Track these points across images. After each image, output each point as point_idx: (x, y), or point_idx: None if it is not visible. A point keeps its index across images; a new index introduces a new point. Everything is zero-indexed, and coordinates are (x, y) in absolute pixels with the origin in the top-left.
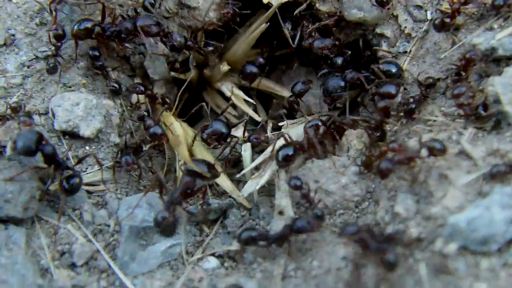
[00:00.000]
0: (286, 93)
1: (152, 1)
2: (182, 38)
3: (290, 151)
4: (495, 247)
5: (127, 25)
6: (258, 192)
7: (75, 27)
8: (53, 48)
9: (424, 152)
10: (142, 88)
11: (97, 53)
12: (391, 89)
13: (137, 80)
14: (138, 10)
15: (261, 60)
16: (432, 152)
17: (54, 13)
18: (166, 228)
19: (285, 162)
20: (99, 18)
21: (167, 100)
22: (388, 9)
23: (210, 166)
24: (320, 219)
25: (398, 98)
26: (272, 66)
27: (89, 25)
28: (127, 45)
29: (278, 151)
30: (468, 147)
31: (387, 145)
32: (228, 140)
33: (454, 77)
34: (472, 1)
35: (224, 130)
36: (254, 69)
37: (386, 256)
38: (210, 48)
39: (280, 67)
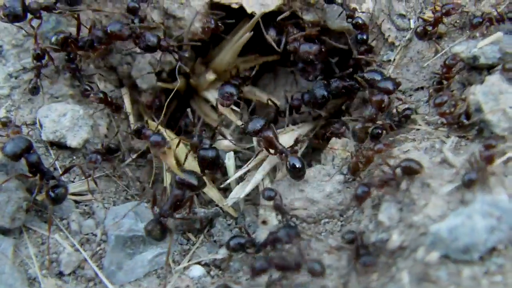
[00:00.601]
0: (277, 102)
1: (136, 5)
2: (156, 38)
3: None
4: (476, 255)
5: (98, 33)
6: (244, 201)
7: (52, 39)
8: (34, 69)
9: (399, 173)
10: (101, 95)
11: (70, 56)
12: (389, 85)
13: (125, 91)
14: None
15: (236, 81)
16: (408, 172)
17: (34, 32)
18: (156, 237)
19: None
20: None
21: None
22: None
23: (199, 177)
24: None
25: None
26: (258, 73)
27: (63, 35)
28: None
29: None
30: (450, 155)
31: (372, 149)
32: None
33: (435, 86)
34: (454, 12)
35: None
36: (231, 90)
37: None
38: (186, 54)
39: (266, 74)
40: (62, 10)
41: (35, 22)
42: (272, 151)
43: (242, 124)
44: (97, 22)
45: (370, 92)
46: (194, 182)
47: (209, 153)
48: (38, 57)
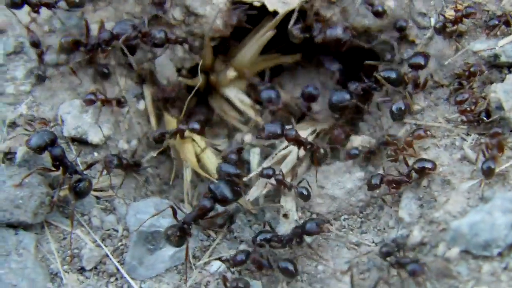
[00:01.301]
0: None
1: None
2: (162, 33)
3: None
4: (496, 251)
5: (104, 36)
6: (264, 197)
7: (62, 40)
8: (37, 57)
9: (413, 173)
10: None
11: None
12: (421, 60)
13: (146, 88)
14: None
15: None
16: (422, 172)
17: (30, 20)
18: (174, 243)
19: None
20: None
21: (122, 100)
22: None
23: (233, 189)
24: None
25: None
26: (277, 72)
27: (70, 40)
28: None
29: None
30: (470, 152)
31: (412, 134)
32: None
33: (456, 86)
34: (474, 17)
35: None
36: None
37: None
38: (196, 43)
39: (285, 74)
40: (62, 8)
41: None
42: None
43: (258, 133)
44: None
45: (406, 70)
46: (228, 194)
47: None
48: (34, 45)
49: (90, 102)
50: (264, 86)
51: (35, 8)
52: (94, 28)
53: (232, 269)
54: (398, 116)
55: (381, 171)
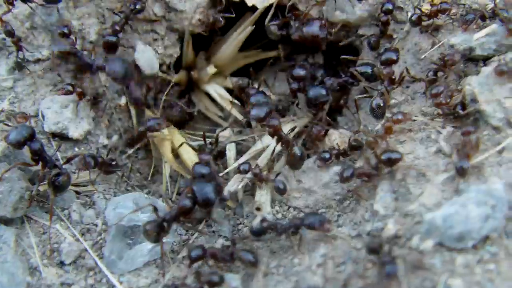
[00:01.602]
0: (273, 97)
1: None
2: (142, 95)
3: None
4: (470, 243)
5: (99, 62)
6: (243, 192)
7: (54, 50)
8: (14, 44)
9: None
10: (70, 88)
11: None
12: (392, 55)
13: None
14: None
15: None
16: (389, 163)
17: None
18: (151, 240)
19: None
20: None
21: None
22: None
23: (218, 189)
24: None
25: None
26: (259, 68)
27: (66, 49)
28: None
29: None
30: (445, 145)
31: (391, 119)
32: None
33: (430, 78)
34: (449, 10)
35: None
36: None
37: None
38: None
39: (267, 69)
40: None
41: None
42: (275, 138)
43: (246, 112)
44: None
45: (379, 67)
46: (211, 196)
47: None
48: (9, 34)
49: (67, 93)
50: (253, 90)
51: (10, 0)
52: (75, 25)
53: (213, 263)
54: (378, 113)
55: (357, 164)
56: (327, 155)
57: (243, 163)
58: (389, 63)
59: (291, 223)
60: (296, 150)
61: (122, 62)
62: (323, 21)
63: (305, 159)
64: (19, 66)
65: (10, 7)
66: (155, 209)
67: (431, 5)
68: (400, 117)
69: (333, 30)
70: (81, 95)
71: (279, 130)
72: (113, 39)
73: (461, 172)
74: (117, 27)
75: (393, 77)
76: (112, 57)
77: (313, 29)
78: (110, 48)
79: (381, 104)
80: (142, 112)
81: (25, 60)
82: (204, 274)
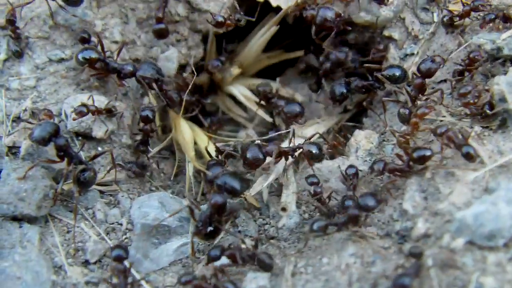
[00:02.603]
0: (298, 97)
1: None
2: (177, 96)
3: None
4: (501, 241)
5: (129, 69)
6: (268, 192)
7: (79, 56)
8: (12, 33)
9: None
10: (84, 109)
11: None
12: (432, 66)
13: None
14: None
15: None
16: (420, 162)
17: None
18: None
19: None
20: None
21: (113, 109)
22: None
23: (242, 180)
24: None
25: None
26: (281, 69)
27: (93, 56)
28: (124, 83)
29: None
30: (474, 145)
31: (416, 114)
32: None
33: (457, 77)
34: (482, 9)
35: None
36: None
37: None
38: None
39: (289, 70)
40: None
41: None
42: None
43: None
44: (123, 16)
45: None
46: (237, 186)
47: None
48: (11, 22)
49: (81, 114)
50: (286, 100)
51: None
52: (98, 24)
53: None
54: (405, 119)
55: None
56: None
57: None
58: (426, 75)
59: (348, 216)
60: (310, 147)
61: (152, 66)
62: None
63: (323, 153)
64: (18, 54)
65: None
66: (191, 211)
67: (463, 4)
68: (425, 110)
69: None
70: (95, 112)
71: (282, 150)
72: (162, 26)
73: (469, 157)
74: (160, 14)
75: (424, 87)
76: (142, 63)
77: (326, 13)
78: (160, 35)
79: (407, 113)
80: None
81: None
82: (220, 280)
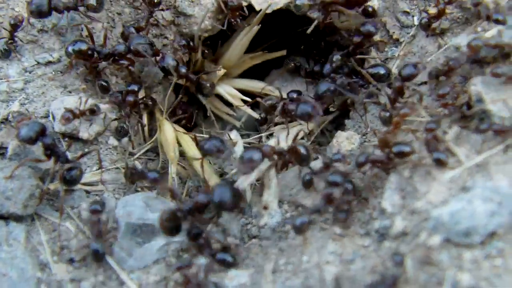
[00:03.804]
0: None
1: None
2: (175, 62)
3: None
4: (477, 239)
5: (119, 49)
6: (251, 192)
7: (70, 48)
8: (7, 33)
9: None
10: (70, 115)
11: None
12: (412, 71)
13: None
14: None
15: None
16: (400, 156)
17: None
18: (170, 229)
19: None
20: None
21: (95, 108)
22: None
23: (237, 196)
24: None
25: None
26: (266, 69)
27: (83, 47)
28: (122, 62)
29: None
30: (452, 145)
31: (398, 114)
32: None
33: (433, 80)
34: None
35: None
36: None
37: None
38: (207, 86)
39: (273, 71)
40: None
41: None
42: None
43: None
44: (110, 21)
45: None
46: (227, 199)
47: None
48: (14, 27)
49: (68, 121)
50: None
51: (61, 14)
52: (85, 29)
53: None
54: (386, 121)
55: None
56: (308, 177)
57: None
58: (409, 79)
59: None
60: (301, 148)
61: (141, 36)
62: None
63: (312, 155)
64: (6, 53)
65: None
66: (173, 195)
67: (436, 5)
68: (407, 111)
69: None
70: (80, 115)
71: (271, 154)
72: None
73: (440, 163)
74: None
75: (403, 91)
76: (130, 38)
77: None
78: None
79: (387, 115)
80: (153, 115)
81: (15, 48)
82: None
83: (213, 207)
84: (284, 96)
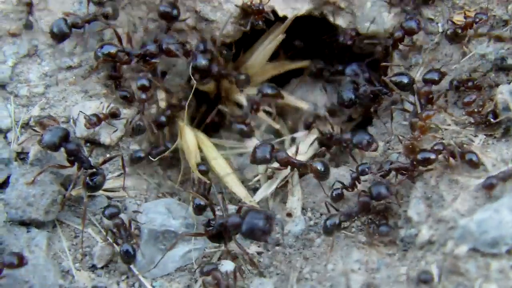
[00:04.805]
0: (304, 105)
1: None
2: (206, 61)
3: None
4: (504, 248)
5: (151, 49)
6: (273, 199)
7: (99, 52)
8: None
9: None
10: (95, 119)
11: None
12: (435, 76)
13: (161, 94)
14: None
15: None
16: (424, 164)
17: None
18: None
19: None
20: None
21: (117, 112)
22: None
23: (269, 219)
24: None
25: None
26: (286, 78)
27: (112, 50)
28: (154, 60)
29: None
30: (478, 153)
31: (422, 117)
32: None
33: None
34: (483, 23)
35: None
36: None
37: None
38: (242, 77)
39: (293, 80)
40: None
41: None
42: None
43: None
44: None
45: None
46: (261, 225)
47: None
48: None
49: (94, 125)
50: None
51: (81, 28)
52: (106, 34)
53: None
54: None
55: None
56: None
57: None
58: (431, 82)
59: (361, 206)
60: (318, 165)
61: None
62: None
63: (329, 170)
64: (28, 26)
65: None
66: (213, 210)
67: (465, 17)
68: (430, 113)
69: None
70: (102, 119)
71: (290, 160)
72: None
73: (472, 165)
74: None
75: (431, 96)
76: (159, 38)
77: None
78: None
79: (418, 121)
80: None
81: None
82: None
83: (241, 233)
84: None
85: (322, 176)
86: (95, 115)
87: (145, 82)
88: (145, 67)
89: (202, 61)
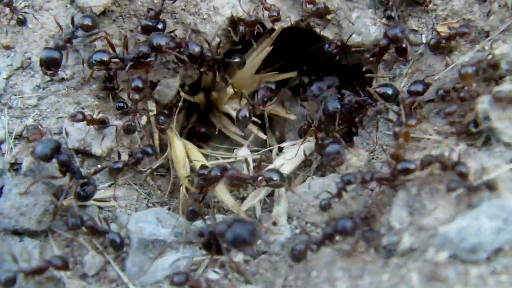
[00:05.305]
0: (292, 117)
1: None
2: (199, 48)
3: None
4: (483, 255)
5: (143, 49)
6: (261, 208)
7: (92, 60)
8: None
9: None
10: (80, 116)
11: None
12: (419, 87)
13: (152, 105)
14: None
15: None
16: (404, 173)
17: None
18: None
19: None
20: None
21: (106, 120)
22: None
23: (256, 229)
24: None
25: None
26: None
27: (105, 58)
28: (150, 59)
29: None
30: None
31: (407, 124)
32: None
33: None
34: (467, 37)
35: None
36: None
37: None
38: (236, 60)
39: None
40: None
41: None
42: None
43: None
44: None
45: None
46: (244, 237)
47: None
48: (8, 4)
49: (76, 119)
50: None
51: (65, 48)
52: (99, 45)
53: (232, 277)
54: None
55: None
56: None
57: None
58: (415, 94)
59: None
60: (272, 175)
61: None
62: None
63: (285, 178)
64: (21, 23)
65: None
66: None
67: (449, 28)
68: (413, 122)
69: None
70: (90, 122)
71: (240, 177)
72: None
73: (463, 176)
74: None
75: (414, 107)
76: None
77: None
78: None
79: (402, 130)
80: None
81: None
82: None
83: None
84: None
85: (277, 185)
86: (81, 112)
87: (139, 83)
88: (141, 68)
89: (195, 48)
